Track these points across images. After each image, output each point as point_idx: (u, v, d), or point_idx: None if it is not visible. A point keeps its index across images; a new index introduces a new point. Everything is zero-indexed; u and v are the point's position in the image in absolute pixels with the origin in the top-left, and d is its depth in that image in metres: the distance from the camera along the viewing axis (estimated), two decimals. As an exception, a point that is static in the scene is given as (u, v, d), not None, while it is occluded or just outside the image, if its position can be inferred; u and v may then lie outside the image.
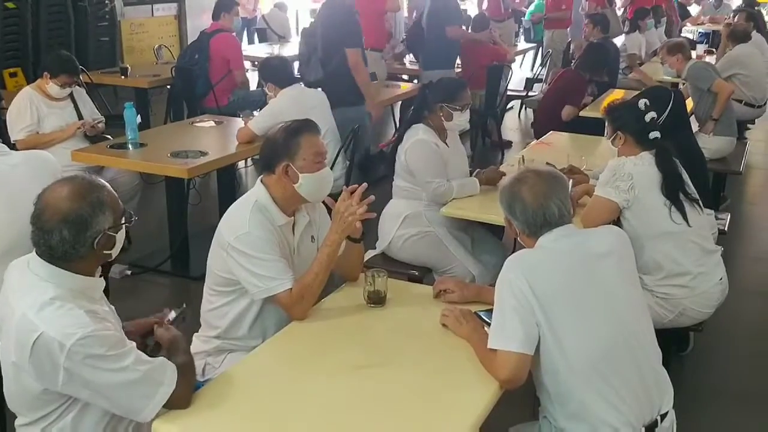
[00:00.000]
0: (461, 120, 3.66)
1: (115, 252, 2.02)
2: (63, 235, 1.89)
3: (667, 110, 3.64)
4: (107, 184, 2.01)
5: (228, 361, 2.59)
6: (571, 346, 2.10)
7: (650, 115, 3.10)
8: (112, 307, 2.15)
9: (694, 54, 8.56)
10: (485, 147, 7.83)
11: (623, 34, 8.86)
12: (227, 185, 5.31)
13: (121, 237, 2.01)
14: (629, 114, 3.16)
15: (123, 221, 2.01)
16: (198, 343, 2.70)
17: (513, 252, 2.45)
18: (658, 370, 2.26)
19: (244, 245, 2.46)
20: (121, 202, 2.04)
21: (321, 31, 5.54)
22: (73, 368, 1.83)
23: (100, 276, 2.06)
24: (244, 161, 6.41)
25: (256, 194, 2.59)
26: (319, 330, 2.46)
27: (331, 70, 5.41)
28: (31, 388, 1.90)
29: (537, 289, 2.10)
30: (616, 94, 6.24)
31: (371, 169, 6.54)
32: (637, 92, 4.50)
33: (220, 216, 2.63)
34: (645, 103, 3.14)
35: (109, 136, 4.89)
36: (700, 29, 12.31)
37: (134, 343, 1.97)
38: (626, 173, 3.02)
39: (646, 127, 3.10)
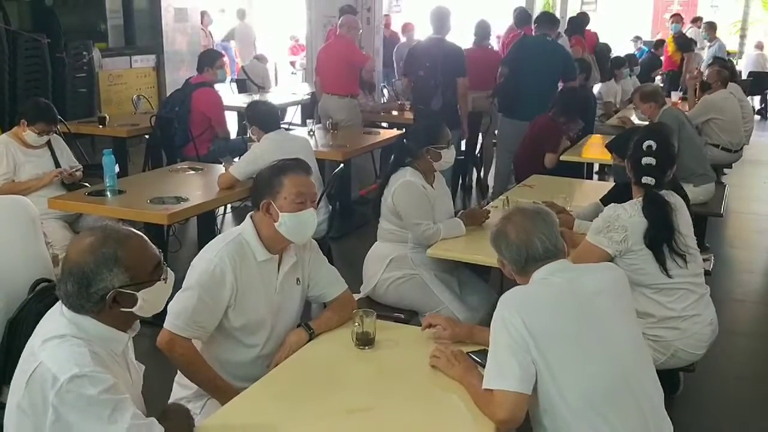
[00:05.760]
0: (449, 156, 3.66)
1: (137, 310, 1.87)
2: (68, 288, 1.83)
3: None
4: (137, 235, 1.89)
5: (208, 406, 2.49)
6: (567, 384, 2.05)
7: (647, 160, 3.05)
8: (142, 367, 2.07)
9: (669, 101, 8.76)
10: (465, 190, 7.89)
11: (599, 82, 8.98)
12: (207, 232, 5.20)
13: (146, 296, 1.86)
14: (632, 151, 3.13)
15: (151, 278, 1.88)
16: (178, 389, 2.62)
17: (500, 293, 2.42)
18: (659, 411, 2.21)
19: (196, 271, 2.42)
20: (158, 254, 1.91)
21: (441, 64, 6.13)
22: (61, 408, 1.71)
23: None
24: (223, 207, 6.33)
25: (242, 228, 2.55)
26: (307, 372, 2.38)
27: (448, 98, 6.18)
28: None
29: (531, 324, 2.06)
30: (594, 140, 6.29)
31: (352, 215, 6.54)
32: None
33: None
34: (650, 146, 3.07)
35: (86, 184, 4.81)
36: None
37: (128, 395, 1.82)
38: (620, 226, 2.96)
39: (642, 169, 3.07)
